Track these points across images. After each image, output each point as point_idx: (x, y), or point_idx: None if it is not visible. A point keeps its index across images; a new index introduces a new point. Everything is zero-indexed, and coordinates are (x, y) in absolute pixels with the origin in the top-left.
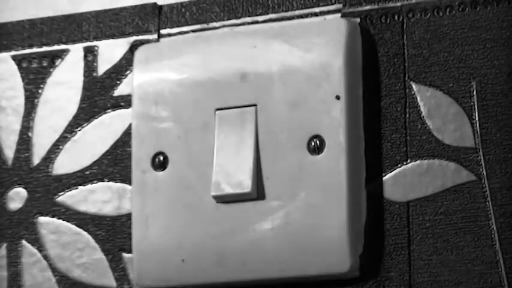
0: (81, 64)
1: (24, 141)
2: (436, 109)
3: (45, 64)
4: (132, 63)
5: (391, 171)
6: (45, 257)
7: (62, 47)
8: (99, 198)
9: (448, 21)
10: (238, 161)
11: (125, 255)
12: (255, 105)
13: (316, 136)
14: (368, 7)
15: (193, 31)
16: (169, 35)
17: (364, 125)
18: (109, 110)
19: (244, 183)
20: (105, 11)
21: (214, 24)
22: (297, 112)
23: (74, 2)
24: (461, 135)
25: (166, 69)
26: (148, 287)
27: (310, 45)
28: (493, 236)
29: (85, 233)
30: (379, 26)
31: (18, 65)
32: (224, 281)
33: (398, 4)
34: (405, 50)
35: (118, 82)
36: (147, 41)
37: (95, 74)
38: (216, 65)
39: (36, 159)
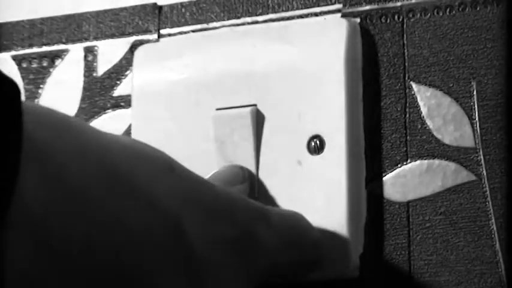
0: (81, 64)
1: None
2: (436, 109)
3: (45, 64)
4: (132, 63)
5: (391, 171)
6: None
7: (62, 47)
8: None
9: (448, 21)
10: (238, 161)
11: None
12: (255, 105)
13: (316, 136)
14: (368, 7)
15: (193, 31)
16: (169, 35)
17: (364, 125)
18: (109, 110)
19: None
20: (105, 11)
21: (214, 24)
22: (296, 112)
23: (74, 2)
24: (461, 135)
25: (166, 69)
26: None
27: (310, 45)
28: (493, 236)
29: None
30: (379, 26)
31: (18, 65)
32: None
33: (398, 4)
34: (405, 50)
35: (118, 82)
36: (147, 41)
37: (95, 74)
38: (216, 65)
39: None
